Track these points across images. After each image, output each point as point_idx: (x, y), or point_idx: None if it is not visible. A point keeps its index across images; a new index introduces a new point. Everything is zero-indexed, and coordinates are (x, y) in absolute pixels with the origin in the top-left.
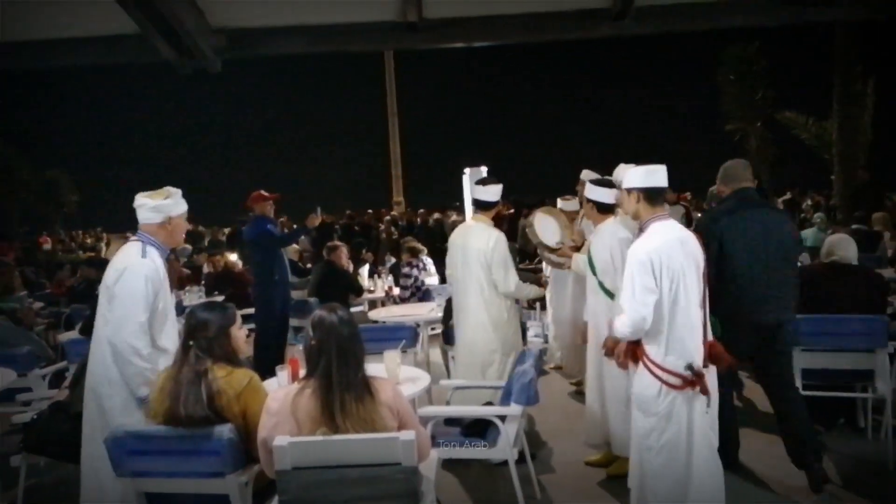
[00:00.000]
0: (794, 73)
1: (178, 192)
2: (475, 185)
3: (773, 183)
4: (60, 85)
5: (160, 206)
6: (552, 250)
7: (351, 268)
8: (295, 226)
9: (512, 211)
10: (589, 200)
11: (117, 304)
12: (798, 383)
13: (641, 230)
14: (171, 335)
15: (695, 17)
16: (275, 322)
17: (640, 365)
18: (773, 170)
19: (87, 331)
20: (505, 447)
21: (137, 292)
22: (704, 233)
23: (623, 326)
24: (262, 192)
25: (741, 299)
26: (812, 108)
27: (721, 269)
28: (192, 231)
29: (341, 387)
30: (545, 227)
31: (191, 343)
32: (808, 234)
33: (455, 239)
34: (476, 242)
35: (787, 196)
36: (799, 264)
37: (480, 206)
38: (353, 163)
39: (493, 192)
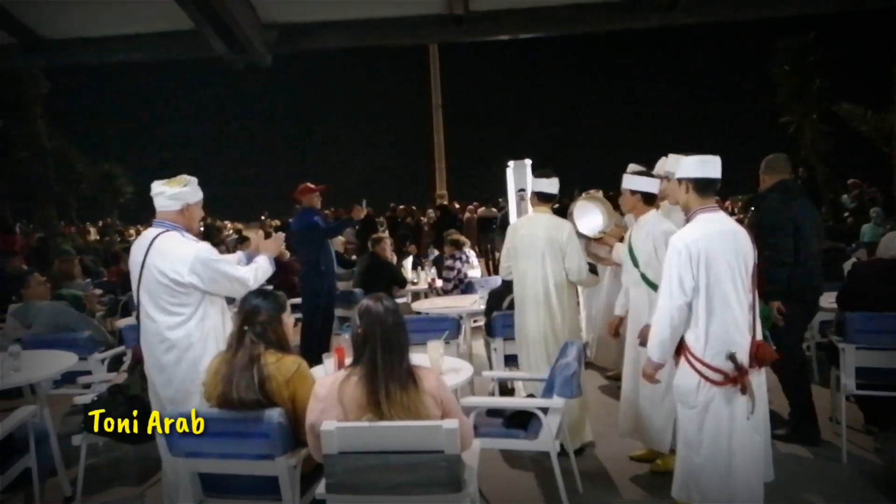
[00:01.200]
0: (852, 64)
1: (194, 179)
2: (536, 178)
3: (829, 176)
4: (115, 79)
5: (179, 194)
6: (593, 239)
7: (395, 260)
8: (341, 217)
9: (557, 206)
10: (634, 192)
11: (215, 279)
12: (852, 382)
13: (688, 220)
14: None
15: (746, 6)
16: (321, 312)
17: (682, 357)
18: (828, 163)
19: None
20: (547, 439)
21: (216, 258)
22: (776, 217)
23: (656, 332)
24: (309, 184)
25: (808, 277)
26: (871, 99)
27: (796, 250)
28: (210, 224)
29: (386, 375)
30: (587, 215)
31: (245, 328)
32: (866, 229)
33: (520, 230)
34: (548, 232)
35: (855, 192)
36: (855, 259)
37: (543, 198)
38: (397, 155)
39: (554, 185)
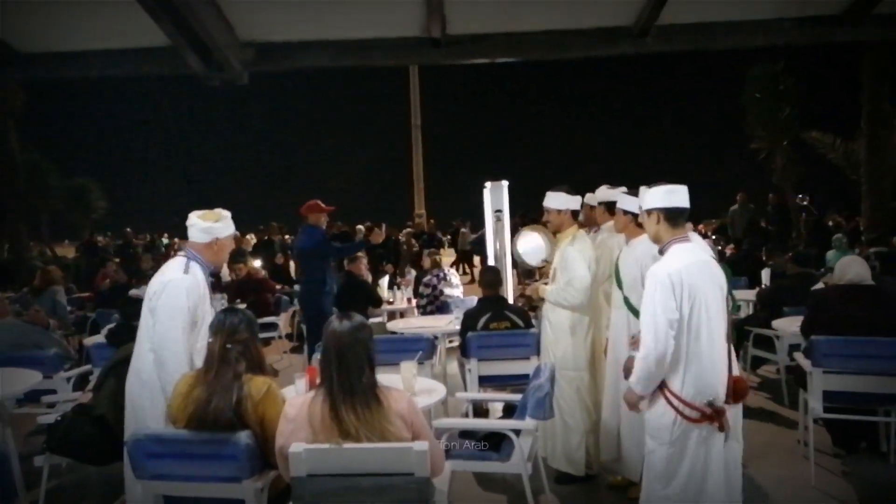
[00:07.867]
0: (822, 93)
1: (228, 215)
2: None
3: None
4: (91, 95)
5: (210, 228)
6: (533, 273)
7: (370, 279)
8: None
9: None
10: (626, 213)
11: (160, 317)
12: (819, 405)
13: (661, 252)
14: (202, 352)
15: (717, 37)
16: None
17: (659, 392)
18: (798, 190)
19: (113, 338)
20: (519, 461)
21: (178, 306)
22: None
23: (642, 371)
24: (319, 202)
25: None
26: (839, 128)
27: None
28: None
29: (343, 390)
30: (530, 245)
31: (229, 346)
32: (831, 255)
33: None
34: None
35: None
36: (822, 285)
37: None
38: (376, 175)
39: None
